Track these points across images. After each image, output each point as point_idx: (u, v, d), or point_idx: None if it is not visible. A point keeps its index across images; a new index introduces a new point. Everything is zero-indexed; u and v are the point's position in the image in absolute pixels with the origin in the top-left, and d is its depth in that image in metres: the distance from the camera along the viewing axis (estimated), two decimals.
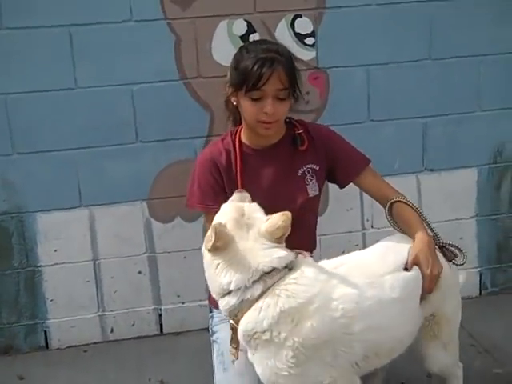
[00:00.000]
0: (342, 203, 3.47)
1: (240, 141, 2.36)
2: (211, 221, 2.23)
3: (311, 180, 2.38)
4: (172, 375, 3.14)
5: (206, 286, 3.41)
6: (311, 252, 2.28)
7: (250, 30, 3.20)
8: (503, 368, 3.09)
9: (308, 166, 2.38)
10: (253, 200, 2.20)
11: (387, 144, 3.49)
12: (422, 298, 2.13)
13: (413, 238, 2.22)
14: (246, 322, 1.91)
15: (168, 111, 3.24)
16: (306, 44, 3.26)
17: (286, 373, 1.86)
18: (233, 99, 2.29)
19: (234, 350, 2.07)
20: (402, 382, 2.96)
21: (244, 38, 3.19)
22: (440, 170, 3.61)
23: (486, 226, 3.75)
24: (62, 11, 3.06)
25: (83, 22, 3.08)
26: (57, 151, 3.21)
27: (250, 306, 1.90)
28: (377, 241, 2.41)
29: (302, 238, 2.20)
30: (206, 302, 3.49)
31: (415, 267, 2.11)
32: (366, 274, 2.02)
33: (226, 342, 2.26)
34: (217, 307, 2.43)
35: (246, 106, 2.22)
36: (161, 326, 3.53)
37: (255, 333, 1.89)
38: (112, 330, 3.49)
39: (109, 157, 3.26)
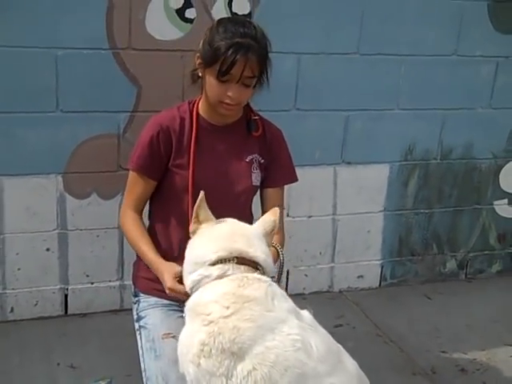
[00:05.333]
0: None
1: (197, 112, 2.30)
2: (135, 182, 2.26)
3: (256, 170, 2.35)
4: (81, 359, 2.98)
5: (118, 266, 3.36)
6: None
7: (187, 4, 3.07)
8: (408, 357, 3.22)
9: (256, 155, 2.35)
10: (198, 176, 2.20)
11: (310, 134, 3.50)
12: None
13: None
14: (196, 295, 1.80)
15: (93, 81, 3.05)
16: None
17: (190, 357, 1.68)
18: (199, 70, 2.22)
19: None
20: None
21: (180, 11, 3.07)
22: (356, 164, 3.68)
23: (391, 220, 3.87)
24: None
25: None
26: None
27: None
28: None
29: None
30: (117, 283, 3.39)
31: None
32: None
33: (156, 328, 2.19)
34: (144, 291, 2.34)
35: (211, 85, 2.17)
36: (66, 306, 3.35)
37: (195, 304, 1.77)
38: (12, 310, 3.26)
39: (25, 124, 3.02)
